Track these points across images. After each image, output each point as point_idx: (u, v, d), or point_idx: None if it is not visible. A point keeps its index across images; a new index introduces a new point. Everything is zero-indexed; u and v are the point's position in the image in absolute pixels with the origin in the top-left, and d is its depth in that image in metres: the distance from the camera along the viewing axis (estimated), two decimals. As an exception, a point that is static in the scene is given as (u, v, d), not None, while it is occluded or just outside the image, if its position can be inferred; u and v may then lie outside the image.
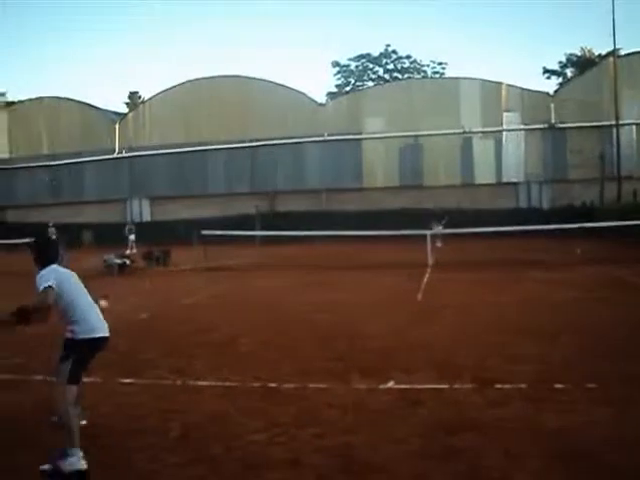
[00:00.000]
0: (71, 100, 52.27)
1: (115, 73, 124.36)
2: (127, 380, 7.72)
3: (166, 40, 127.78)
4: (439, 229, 26.92)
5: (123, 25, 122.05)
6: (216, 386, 7.46)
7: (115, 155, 50.43)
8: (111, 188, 49.62)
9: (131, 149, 50.21)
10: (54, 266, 5.74)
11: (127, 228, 36.70)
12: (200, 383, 7.59)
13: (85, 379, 7.65)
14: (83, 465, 5.14)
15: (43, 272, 5.65)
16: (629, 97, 42.78)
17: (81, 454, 5.15)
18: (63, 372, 5.50)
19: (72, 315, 5.63)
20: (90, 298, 5.86)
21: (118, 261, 24.14)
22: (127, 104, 70.58)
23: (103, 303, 6.27)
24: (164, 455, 5.37)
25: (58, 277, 5.64)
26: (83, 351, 5.63)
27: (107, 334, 5.79)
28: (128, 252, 29.78)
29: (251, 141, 47.72)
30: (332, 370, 8.06)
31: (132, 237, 35.48)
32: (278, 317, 12.70)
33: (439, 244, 27.76)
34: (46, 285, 5.54)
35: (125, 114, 55.07)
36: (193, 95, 49.21)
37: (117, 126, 51.13)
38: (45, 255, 5.83)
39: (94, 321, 5.71)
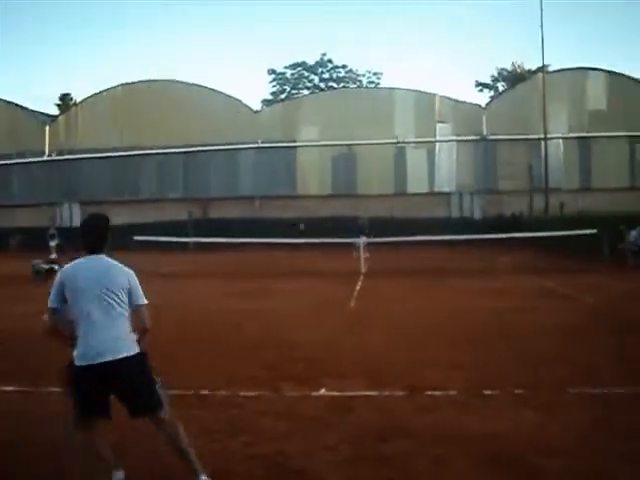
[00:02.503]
0: (-2, 100, 50.99)
1: (46, 74, 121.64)
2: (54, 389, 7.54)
3: (102, 42, 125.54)
4: (362, 240, 26.50)
5: (56, 24, 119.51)
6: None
7: (45, 158, 49.31)
8: (41, 192, 48.38)
9: (62, 152, 49.14)
10: (82, 259, 4.83)
11: (49, 233, 35.35)
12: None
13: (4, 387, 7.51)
14: None
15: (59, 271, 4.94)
16: (557, 112, 44.04)
17: None
18: None
19: (76, 329, 4.74)
20: (112, 310, 4.69)
21: (46, 266, 23.61)
22: (58, 106, 69.05)
23: None
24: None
25: (66, 276, 4.78)
26: (74, 380, 4.72)
27: (104, 359, 4.59)
28: (54, 257, 28.95)
29: (185, 147, 47.26)
30: (264, 378, 8.04)
31: (53, 242, 33.99)
32: (210, 324, 12.59)
33: (355, 254, 27.12)
34: (48, 305, 4.82)
35: (56, 116, 53.93)
36: (127, 98, 48.55)
37: (47, 128, 50.02)
38: (82, 238, 4.88)
39: (91, 343, 4.63)
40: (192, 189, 47.59)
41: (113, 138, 47.70)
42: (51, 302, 4.77)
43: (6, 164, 48.90)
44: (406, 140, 46.93)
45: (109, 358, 4.60)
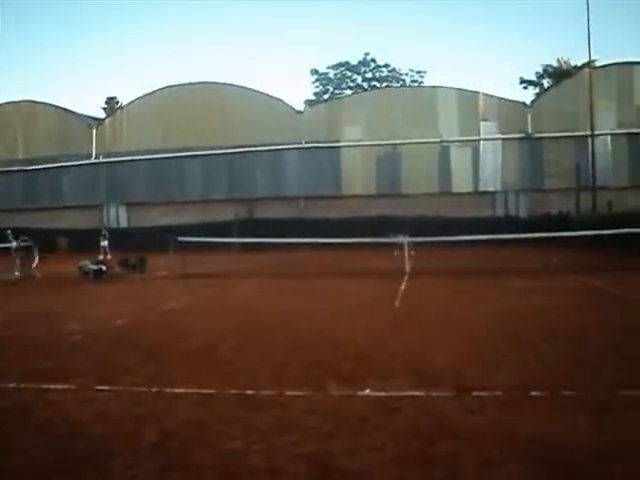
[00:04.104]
0: (48, 104, 51.90)
1: (93, 78, 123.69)
2: (102, 387, 7.64)
3: (145, 46, 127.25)
4: (404, 239, 26.19)
5: (101, 30, 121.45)
6: (193, 393, 7.41)
7: (92, 160, 50.13)
8: (88, 194, 49.34)
9: (108, 155, 49.92)
10: None
11: (101, 233, 36.00)
12: (177, 390, 7.53)
13: (60, 386, 7.67)
14: None
15: None
16: (605, 108, 43.34)
17: None
18: None
19: None
20: None
21: (94, 267, 23.93)
22: (104, 109, 70.21)
23: None
24: (141, 462, 5.31)
25: None
26: None
27: None
28: (101, 258, 29.39)
29: (229, 148, 47.63)
30: (309, 377, 8.02)
31: (104, 243, 34.67)
32: (255, 324, 12.63)
33: (396, 253, 27.09)
34: None
35: (102, 119, 54.77)
36: (171, 101, 49.13)
37: (94, 131, 50.82)
38: None
39: None
40: (237, 190, 47.95)
41: (158, 140, 48.36)
42: None
43: (54, 167, 49.84)
44: (450, 139, 46.68)
45: None
